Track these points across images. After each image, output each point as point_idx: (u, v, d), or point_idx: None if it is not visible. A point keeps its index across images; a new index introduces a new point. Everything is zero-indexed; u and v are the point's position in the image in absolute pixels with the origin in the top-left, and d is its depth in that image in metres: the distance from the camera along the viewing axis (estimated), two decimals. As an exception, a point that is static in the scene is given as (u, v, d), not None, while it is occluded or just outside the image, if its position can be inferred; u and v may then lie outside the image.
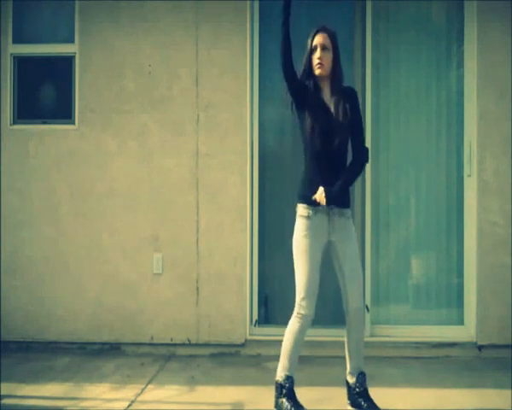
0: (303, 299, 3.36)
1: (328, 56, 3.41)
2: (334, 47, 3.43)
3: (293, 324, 3.39)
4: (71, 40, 4.99)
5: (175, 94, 4.90)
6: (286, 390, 3.37)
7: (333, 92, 3.44)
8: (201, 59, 4.89)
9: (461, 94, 4.88)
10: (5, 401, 3.80)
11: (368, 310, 4.80)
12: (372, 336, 4.80)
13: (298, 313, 3.38)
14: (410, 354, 4.72)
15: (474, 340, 4.73)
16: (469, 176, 4.81)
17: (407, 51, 4.97)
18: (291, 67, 3.37)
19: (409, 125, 4.98)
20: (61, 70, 5.03)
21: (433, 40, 4.96)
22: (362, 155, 3.51)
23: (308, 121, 3.40)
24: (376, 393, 3.52)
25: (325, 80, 3.46)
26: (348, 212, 3.46)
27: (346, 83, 3.53)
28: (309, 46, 3.43)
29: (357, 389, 3.47)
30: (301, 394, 3.41)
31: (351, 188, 3.55)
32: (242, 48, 4.85)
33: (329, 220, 3.40)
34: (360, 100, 4.81)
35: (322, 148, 3.37)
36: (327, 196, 3.31)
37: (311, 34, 3.45)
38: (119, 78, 4.93)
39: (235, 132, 4.85)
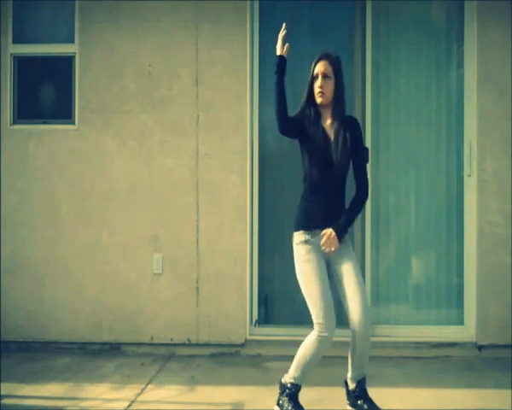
0: (322, 322, 3.25)
1: (330, 84, 3.37)
2: (336, 74, 3.38)
3: (314, 343, 3.27)
4: (71, 40, 4.98)
5: (175, 94, 4.90)
6: (289, 392, 3.36)
7: (334, 121, 3.39)
8: (201, 59, 4.89)
9: (461, 94, 4.88)
10: (5, 401, 3.80)
11: (368, 310, 4.80)
12: (372, 336, 4.76)
13: (319, 336, 3.26)
14: (410, 354, 4.72)
15: (474, 340, 4.73)
16: (469, 176, 4.81)
17: (407, 51, 4.97)
18: (286, 123, 3.31)
19: (409, 125, 4.97)
20: (61, 70, 5.03)
21: (433, 40, 4.96)
22: (364, 187, 3.44)
23: (307, 151, 3.37)
24: (376, 393, 3.52)
25: (326, 108, 3.42)
26: (345, 238, 3.38)
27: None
28: (311, 74, 3.39)
29: (357, 392, 3.46)
30: (301, 394, 3.40)
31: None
32: (242, 48, 4.85)
33: None
34: (360, 100, 4.86)
35: (320, 177, 3.34)
36: (338, 235, 3.29)
37: (314, 61, 3.40)
38: (119, 78, 4.93)
39: (235, 132, 4.85)
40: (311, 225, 3.36)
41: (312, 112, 3.40)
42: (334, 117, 3.40)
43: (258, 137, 4.90)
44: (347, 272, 3.33)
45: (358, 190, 3.44)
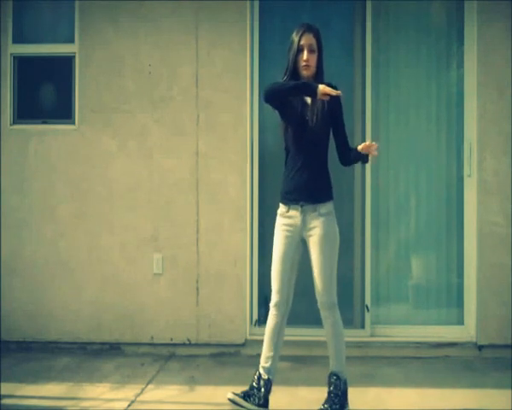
0: (273, 293, 3.45)
1: (314, 58, 3.43)
2: (318, 47, 3.45)
3: (268, 317, 3.51)
4: (71, 40, 4.98)
5: (175, 94, 4.90)
6: (256, 378, 3.50)
7: None
8: (201, 59, 4.88)
9: (461, 94, 4.88)
10: (5, 401, 3.80)
11: (368, 310, 4.80)
12: (372, 336, 4.80)
13: (271, 307, 3.48)
14: (410, 354, 4.72)
15: (474, 340, 4.73)
16: (469, 176, 4.81)
17: (407, 51, 4.97)
18: (274, 103, 3.44)
19: (409, 124, 4.98)
20: (61, 70, 5.03)
21: (433, 40, 4.96)
22: (348, 156, 3.50)
23: (286, 119, 3.44)
24: (376, 393, 3.53)
25: (309, 80, 3.45)
26: (322, 207, 3.40)
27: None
28: (296, 46, 3.41)
29: (332, 392, 3.43)
30: (301, 394, 3.41)
31: (333, 183, 3.54)
32: (242, 47, 4.85)
33: (302, 217, 3.41)
34: (360, 99, 4.86)
35: (298, 147, 3.40)
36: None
37: (298, 33, 3.42)
38: (118, 78, 4.93)
39: (235, 132, 4.85)
40: (287, 198, 3.44)
41: None
42: None
43: (259, 137, 4.90)
44: (314, 254, 3.39)
45: (341, 155, 3.50)
